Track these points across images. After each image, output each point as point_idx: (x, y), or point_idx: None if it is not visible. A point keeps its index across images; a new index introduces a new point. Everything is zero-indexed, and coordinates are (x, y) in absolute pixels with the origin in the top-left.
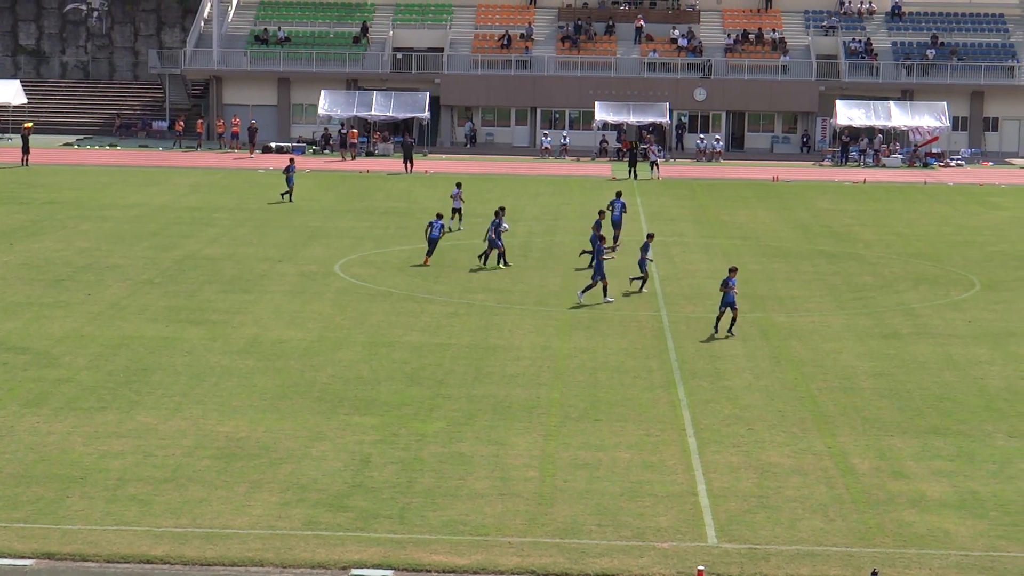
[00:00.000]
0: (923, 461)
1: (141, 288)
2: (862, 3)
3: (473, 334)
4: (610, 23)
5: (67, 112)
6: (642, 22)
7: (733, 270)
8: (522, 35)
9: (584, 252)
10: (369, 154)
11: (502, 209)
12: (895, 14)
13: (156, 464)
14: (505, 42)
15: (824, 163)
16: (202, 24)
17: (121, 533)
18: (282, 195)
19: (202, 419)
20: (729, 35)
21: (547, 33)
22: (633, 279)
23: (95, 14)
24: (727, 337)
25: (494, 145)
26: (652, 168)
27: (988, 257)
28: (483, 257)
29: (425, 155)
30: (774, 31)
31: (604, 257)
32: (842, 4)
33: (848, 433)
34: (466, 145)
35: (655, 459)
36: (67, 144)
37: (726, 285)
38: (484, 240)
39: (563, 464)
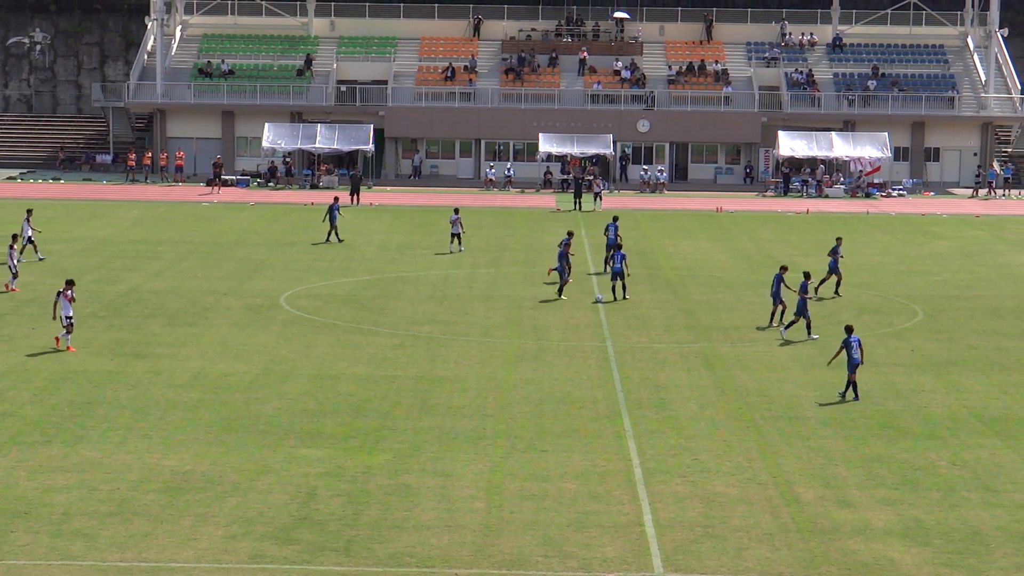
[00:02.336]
0: (867, 489)
1: (85, 322)
2: (803, 35)
3: (419, 366)
4: (553, 55)
5: (10, 146)
6: (585, 54)
7: (850, 328)
8: (466, 67)
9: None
10: (314, 187)
11: (570, 234)
12: (836, 46)
13: (101, 498)
14: (449, 74)
15: (767, 194)
16: (145, 57)
17: (66, 568)
18: (329, 236)
19: (147, 453)
20: (672, 67)
21: (491, 65)
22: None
23: (38, 47)
24: (845, 399)
25: (439, 177)
26: (595, 199)
27: (930, 286)
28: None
29: (370, 187)
30: (716, 63)
31: (807, 296)
32: (784, 36)
33: (793, 462)
34: (411, 177)
35: (601, 489)
36: (10, 178)
37: (847, 344)
38: (553, 270)
39: (509, 495)
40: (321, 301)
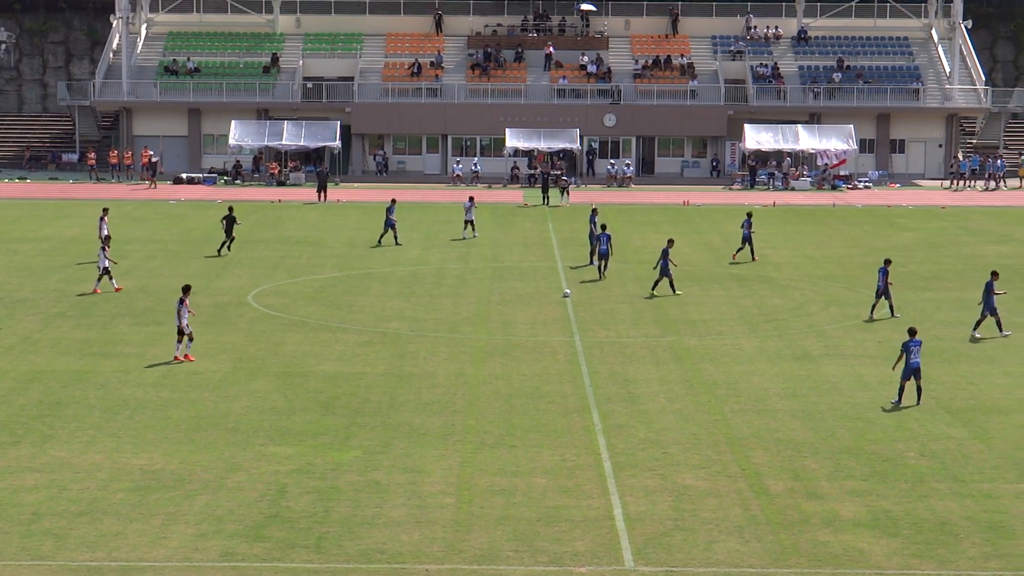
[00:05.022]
0: (836, 481)
1: (53, 321)
2: (768, 28)
3: (387, 362)
4: (519, 50)
5: None
6: (551, 49)
7: (912, 331)
8: (432, 63)
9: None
10: (280, 184)
11: (671, 241)
12: (801, 38)
13: (71, 498)
14: (415, 70)
15: (734, 187)
16: (111, 55)
17: (36, 568)
18: (396, 239)
19: (116, 452)
20: (638, 61)
21: (457, 61)
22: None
23: (3, 47)
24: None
25: (405, 173)
26: (563, 194)
27: (896, 278)
28: (655, 285)
29: (337, 184)
30: (682, 56)
31: (996, 292)
32: (749, 29)
33: (762, 454)
34: (378, 173)
35: (571, 484)
36: None
37: (907, 349)
38: (655, 268)
39: (479, 490)
40: (289, 298)
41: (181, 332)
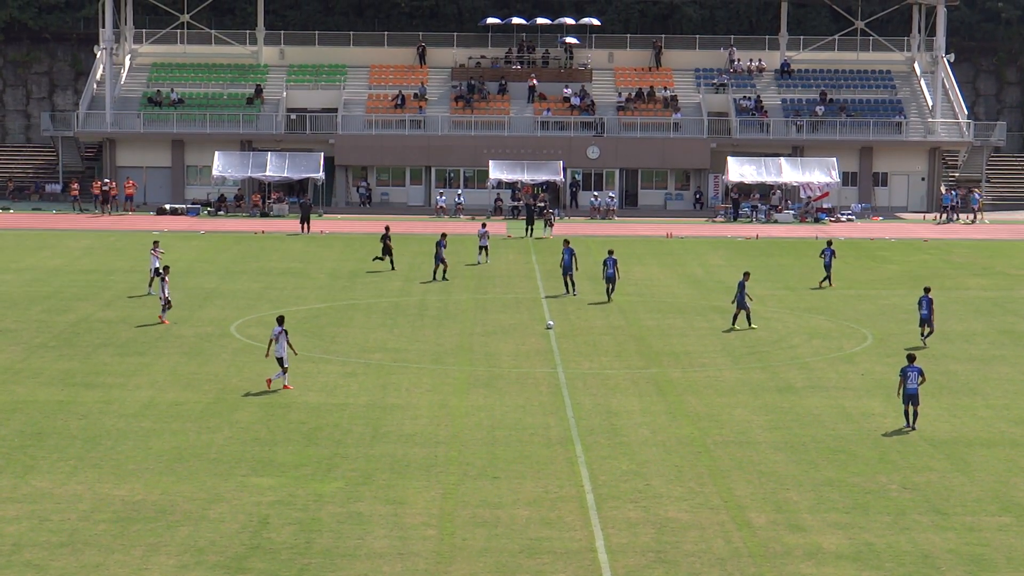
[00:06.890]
0: (819, 513)
1: (35, 352)
2: (752, 61)
3: (370, 393)
4: (503, 82)
5: None
6: (535, 81)
7: (911, 357)
8: (415, 95)
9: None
10: (264, 215)
11: (747, 274)
12: (784, 71)
13: (52, 529)
14: (399, 102)
15: (717, 219)
16: (95, 86)
17: None
18: (436, 273)
19: (98, 483)
20: (621, 93)
21: (440, 93)
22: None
23: None
24: (905, 430)
25: (389, 204)
26: (546, 227)
27: (879, 311)
28: (734, 319)
29: (320, 215)
30: (665, 89)
31: None
32: (732, 62)
33: (744, 487)
34: (361, 205)
35: (553, 516)
36: None
37: (904, 374)
38: (732, 302)
39: (461, 522)
40: (272, 329)
41: (281, 361)
